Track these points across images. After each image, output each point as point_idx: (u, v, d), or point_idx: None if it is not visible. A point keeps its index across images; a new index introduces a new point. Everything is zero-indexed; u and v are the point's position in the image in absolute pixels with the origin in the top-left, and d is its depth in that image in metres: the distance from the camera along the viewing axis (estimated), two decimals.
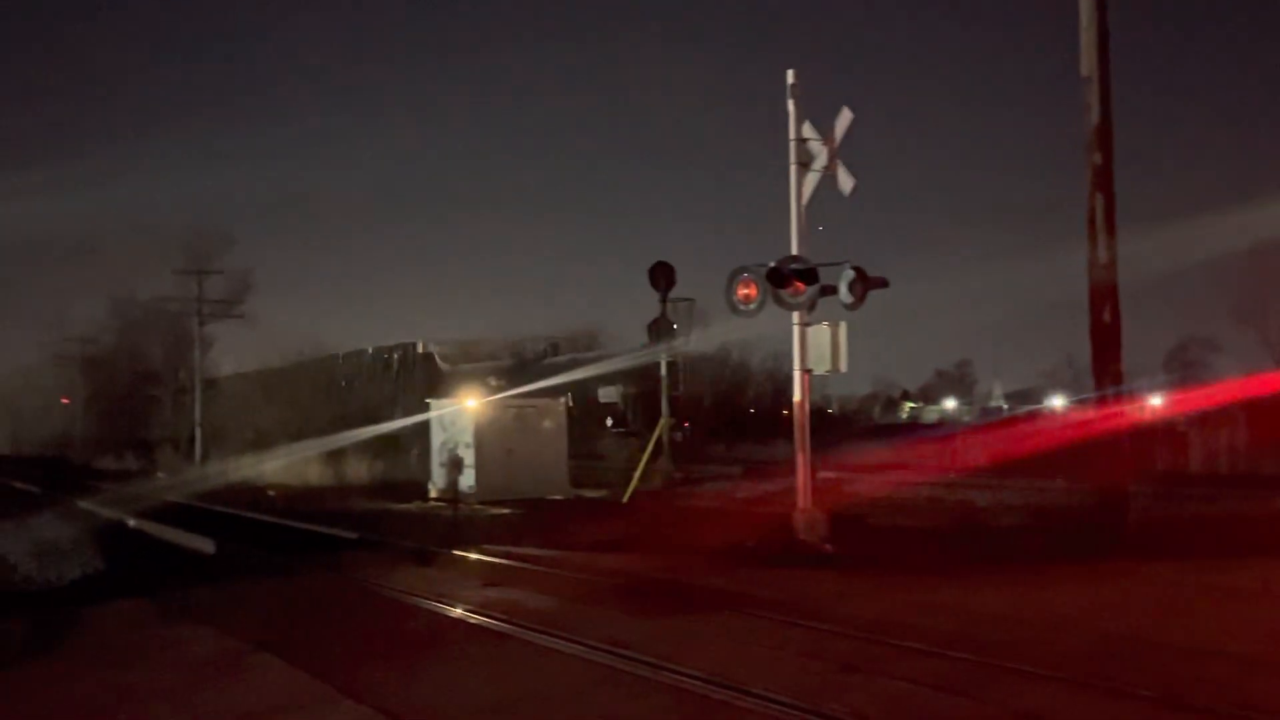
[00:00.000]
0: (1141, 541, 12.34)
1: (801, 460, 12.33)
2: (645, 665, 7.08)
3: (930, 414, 64.86)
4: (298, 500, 23.36)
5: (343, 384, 40.81)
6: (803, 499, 12.24)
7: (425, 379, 45.38)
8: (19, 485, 34.71)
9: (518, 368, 47.05)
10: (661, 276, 26.50)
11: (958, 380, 72.87)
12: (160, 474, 37.28)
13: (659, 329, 26.15)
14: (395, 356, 45.47)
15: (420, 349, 50.69)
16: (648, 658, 7.23)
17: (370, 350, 48.37)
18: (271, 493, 25.16)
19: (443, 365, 54.26)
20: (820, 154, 12.51)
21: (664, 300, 26.43)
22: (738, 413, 55.65)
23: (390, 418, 33.74)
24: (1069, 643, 7.55)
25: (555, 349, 53.56)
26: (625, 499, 20.95)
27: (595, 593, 10.36)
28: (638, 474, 22.24)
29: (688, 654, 7.31)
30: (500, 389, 26.59)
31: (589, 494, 22.67)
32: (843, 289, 11.81)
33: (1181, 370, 42.81)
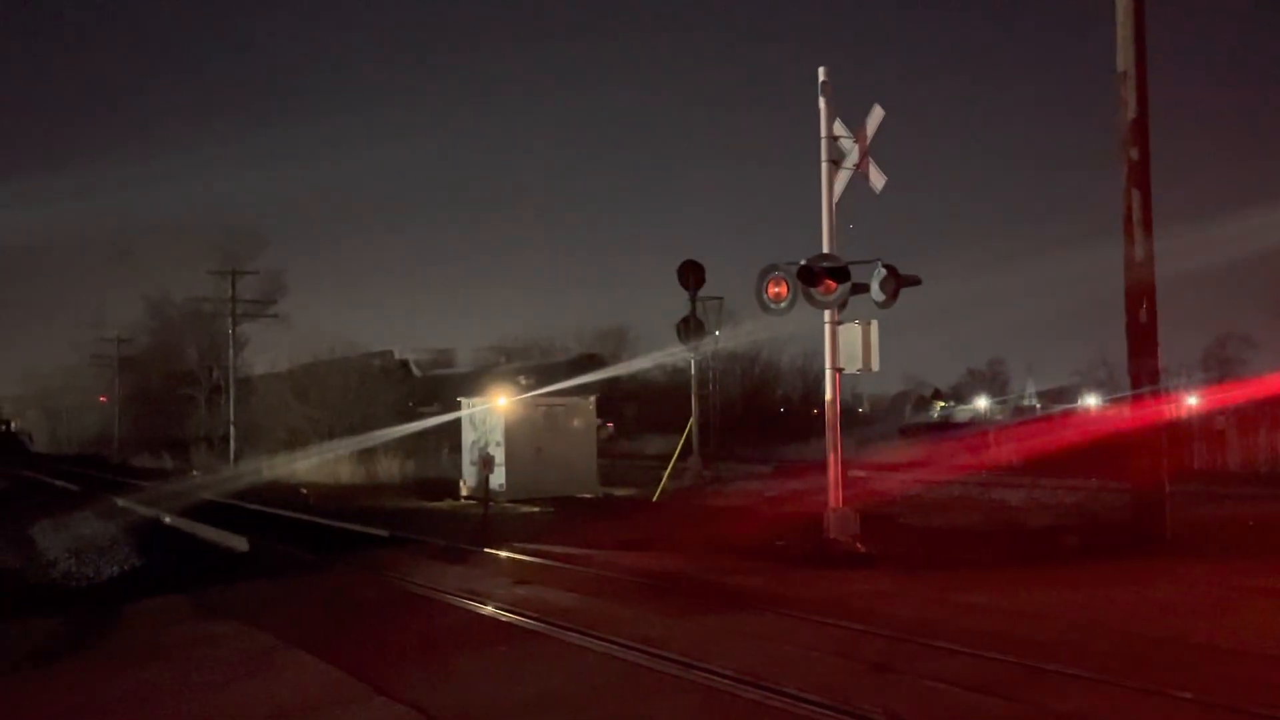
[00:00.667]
0: (1180, 542, 12.18)
1: (833, 459, 12.25)
2: (676, 664, 7.06)
3: (962, 413, 64.40)
4: (330, 498, 23.55)
5: (367, 384, 41.33)
6: (834, 497, 12.16)
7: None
8: (59, 483, 35.26)
9: (548, 367, 47.45)
10: (691, 275, 26.50)
11: (990, 379, 72.42)
12: (195, 472, 37.73)
13: (688, 328, 26.14)
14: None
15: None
16: (679, 656, 7.21)
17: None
18: (304, 491, 25.38)
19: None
20: (851, 151, 12.42)
21: (694, 299, 26.42)
22: (768, 411, 55.55)
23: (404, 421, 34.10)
24: (1108, 644, 7.46)
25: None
26: (655, 498, 20.96)
27: (625, 591, 10.35)
28: (667, 473, 22.25)
29: (718, 653, 7.28)
30: (530, 388, 26.64)
31: (619, 492, 22.71)
32: (874, 287, 11.71)
33: (1219, 368, 42.25)
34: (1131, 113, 12.79)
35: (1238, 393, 30.51)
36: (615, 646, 7.65)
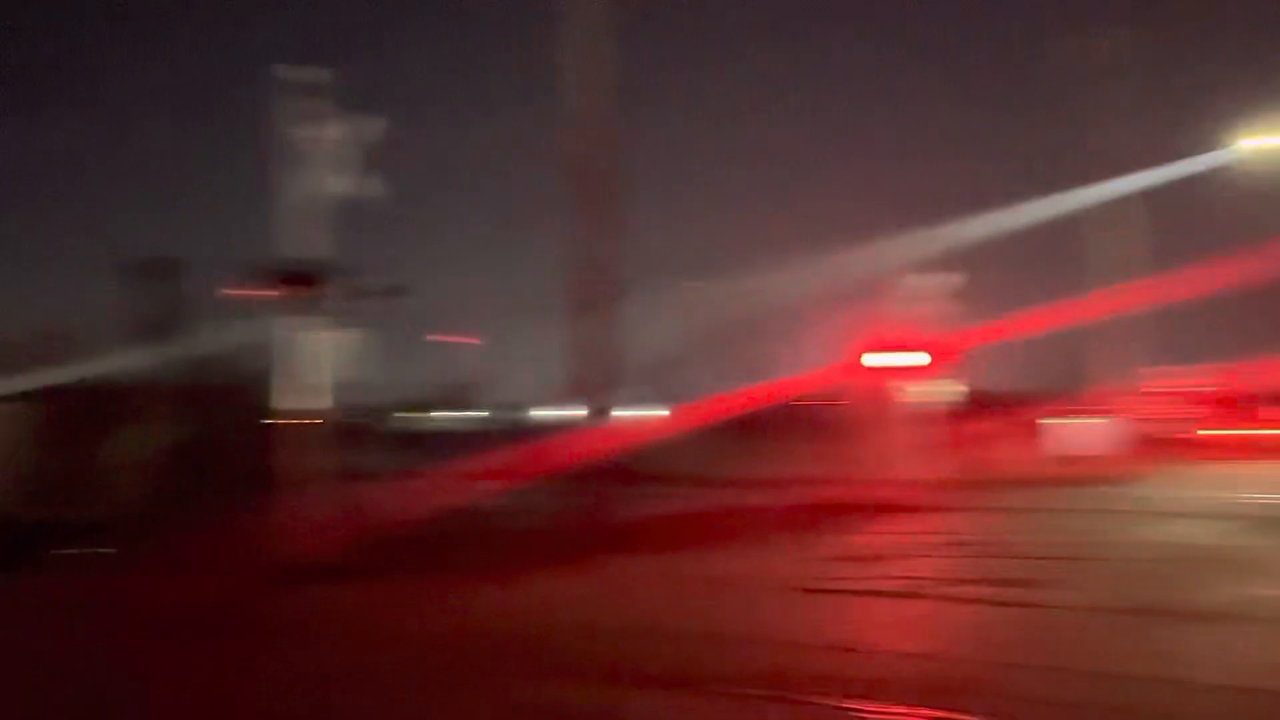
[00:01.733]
0: (630, 538, 13.53)
1: (315, 473, 11.93)
2: None
3: (451, 422, 65.43)
4: None
5: None
6: (310, 512, 11.86)
7: None
8: None
9: None
10: (155, 271, 24.27)
11: (477, 387, 74.13)
12: None
13: (152, 327, 23.91)
14: None
15: None
16: None
17: None
18: None
19: None
20: (336, 155, 12.26)
21: (155, 296, 24.22)
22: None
23: None
24: (565, 635, 8.08)
25: None
26: None
27: None
28: None
29: None
30: None
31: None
32: (354, 294, 11.69)
33: (660, 378, 46.97)
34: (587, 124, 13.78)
35: (684, 417, 34.56)
36: None
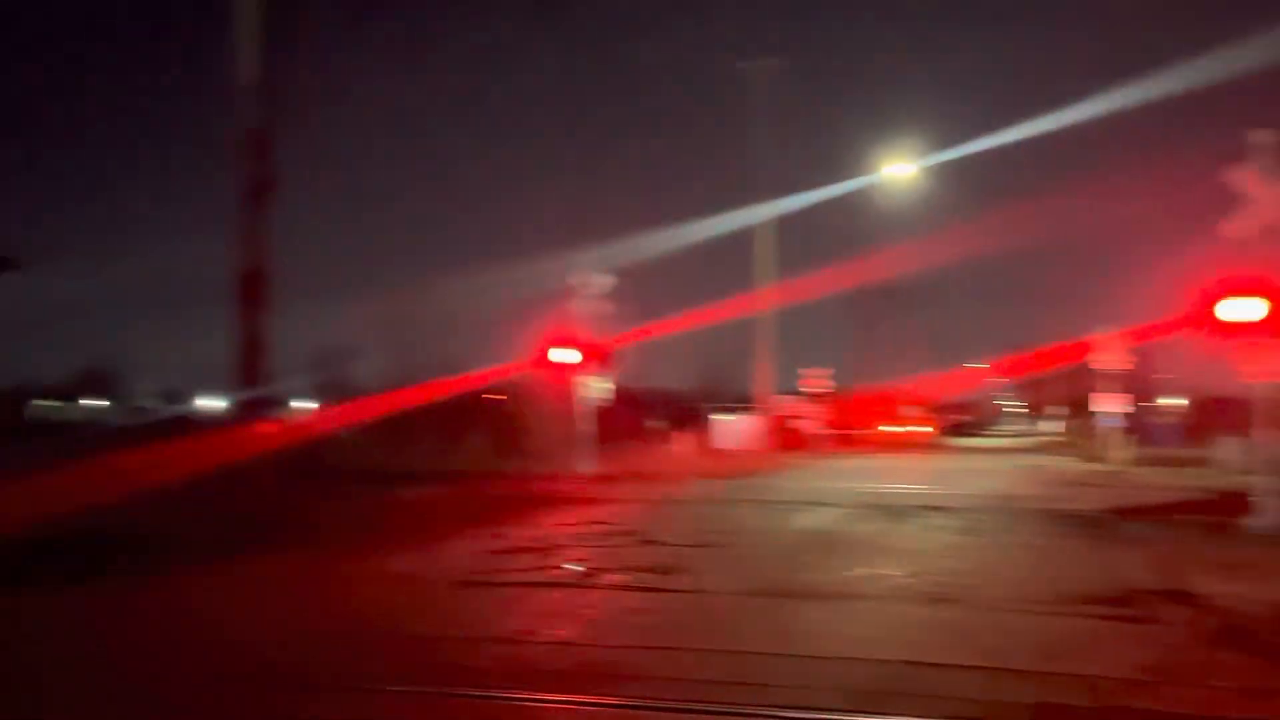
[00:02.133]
0: (282, 534, 12.98)
1: None
2: None
3: (74, 412, 59.55)
4: None
5: None
6: None
7: None
8: None
9: None
10: None
11: (110, 376, 68.05)
12: None
13: None
14: None
15: None
16: None
17: None
18: None
19: None
20: None
21: None
22: None
23: None
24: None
25: None
26: None
27: None
28: None
29: None
30: None
31: None
32: None
33: (329, 371, 45.51)
34: (252, 123, 13.27)
35: (353, 411, 33.66)
36: None
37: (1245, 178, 13.70)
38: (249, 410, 13.76)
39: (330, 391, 43.33)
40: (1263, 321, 13.44)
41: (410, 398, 36.03)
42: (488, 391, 38.19)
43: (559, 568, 10.58)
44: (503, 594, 9.21)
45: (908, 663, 6.63)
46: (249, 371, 13.45)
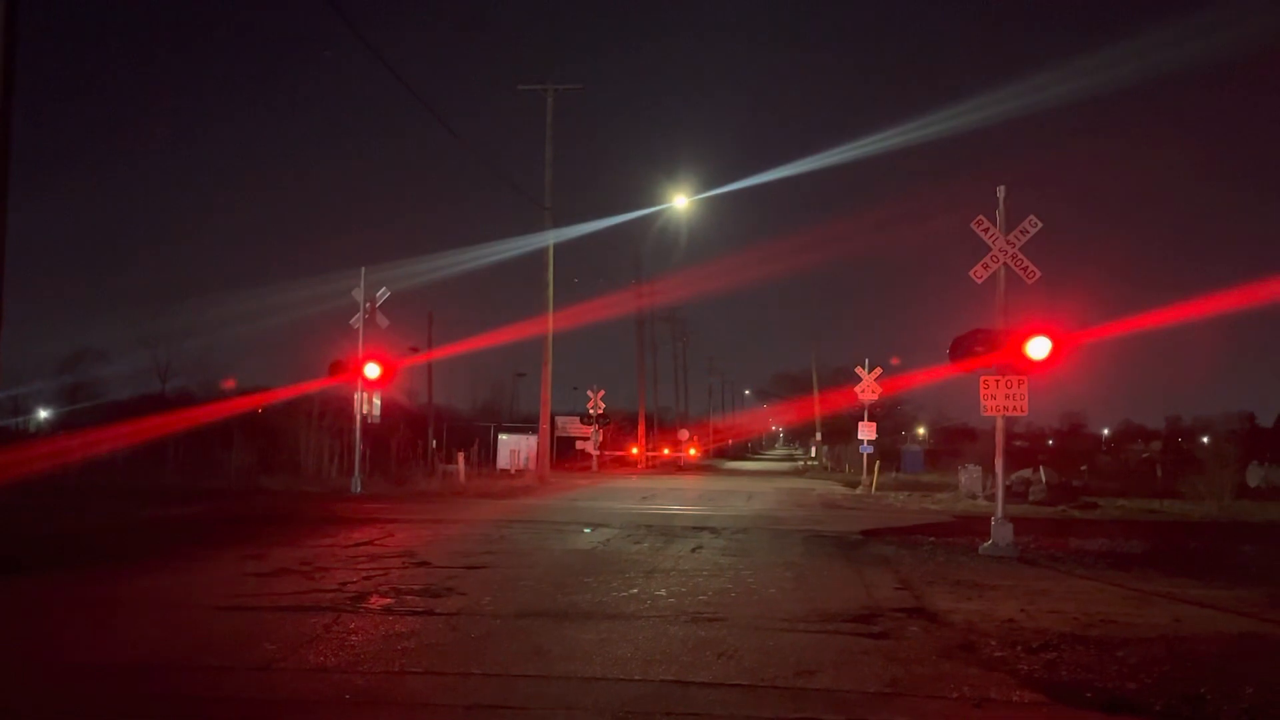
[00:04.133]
0: (29, 555, 11.89)
1: None
2: None
3: None
4: None
5: None
6: None
7: None
8: None
9: None
10: None
11: None
12: None
13: None
14: None
15: None
16: None
17: None
18: None
19: None
20: None
21: None
22: None
23: None
24: None
25: None
26: None
27: None
28: None
29: None
30: None
31: None
32: None
33: (74, 377, 42.35)
34: None
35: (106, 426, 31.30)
36: None
37: (984, 228, 14.96)
38: None
39: (78, 398, 40.18)
40: (997, 358, 14.70)
41: (170, 411, 33.92)
42: (256, 407, 36.48)
43: (323, 590, 10.16)
44: (261, 619, 8.74)
45: (674, 682, 6.77)
46: None
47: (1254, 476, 35.72)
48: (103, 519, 17.17)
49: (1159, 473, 37.88)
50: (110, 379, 41.80)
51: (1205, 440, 50.10)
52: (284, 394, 33.83)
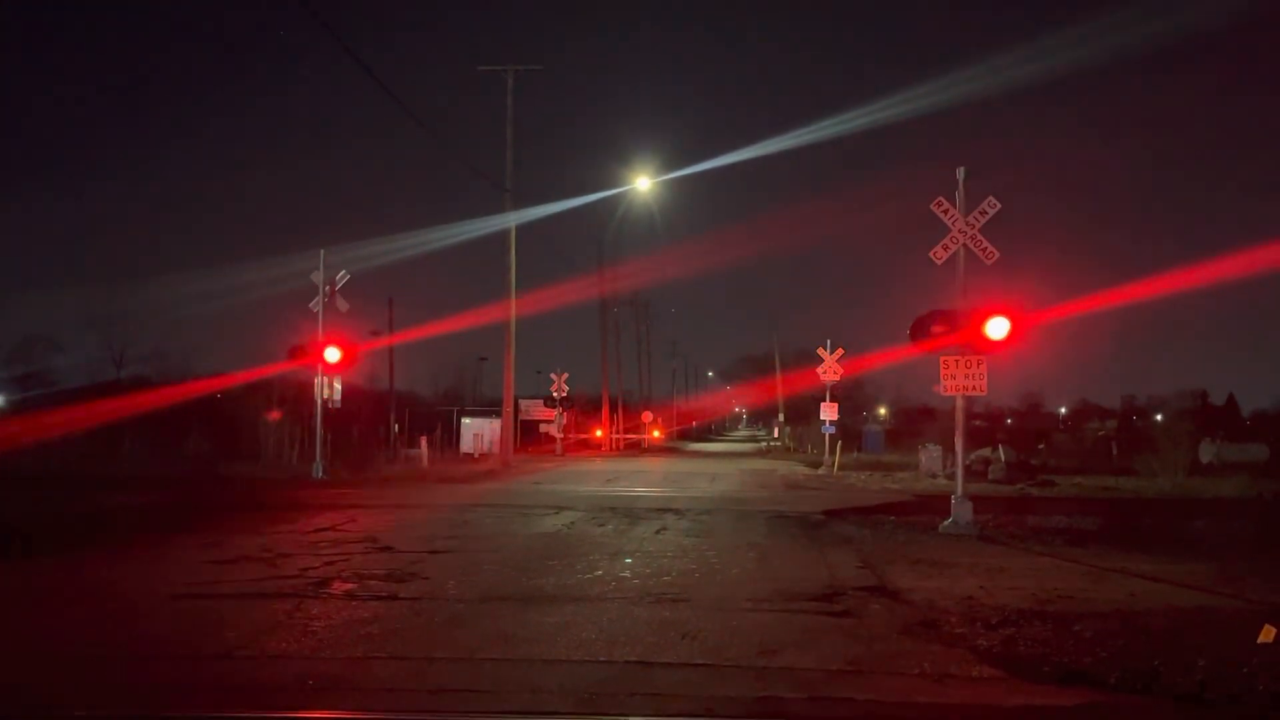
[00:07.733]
0: None
1: None
2: None
3: None
4: None
5: None
6: None
7: None
8: None
9: None
10: None
11: None
12: None
13: None
14: None
15: None
16: None
17: None
18: None
19: None
20: None
21: None
22: None
23: None
24: None
25: None
26: None
27: None
28: None
29: None
30: None
31: None
32: None
33: (24, 366, 41.62)
34: None
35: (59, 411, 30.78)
36: None
37: (944, 209, 15.08)
38: None
39: (29, 386, 39.46)
40: (957, 338, 14.85)
41: (125, 396, 33.38)
42: (214, 392, 36.04)
43: (284, 577, 10.08)
44: (221, 607, 8.65)
45: (638, 663, 6.79)
46: None
47: (1206, 453, 36.43)
48: (54, 506, 16.91)
49: (1114, 451, 38.55)
50: (63, 368, 41.08)
51: (1159, 418, 51.06)
52: (243, 378, 33.44)
